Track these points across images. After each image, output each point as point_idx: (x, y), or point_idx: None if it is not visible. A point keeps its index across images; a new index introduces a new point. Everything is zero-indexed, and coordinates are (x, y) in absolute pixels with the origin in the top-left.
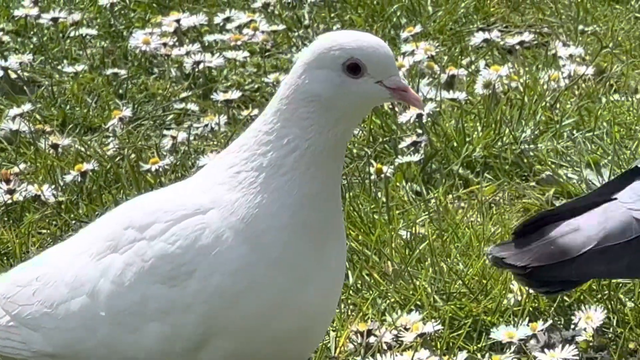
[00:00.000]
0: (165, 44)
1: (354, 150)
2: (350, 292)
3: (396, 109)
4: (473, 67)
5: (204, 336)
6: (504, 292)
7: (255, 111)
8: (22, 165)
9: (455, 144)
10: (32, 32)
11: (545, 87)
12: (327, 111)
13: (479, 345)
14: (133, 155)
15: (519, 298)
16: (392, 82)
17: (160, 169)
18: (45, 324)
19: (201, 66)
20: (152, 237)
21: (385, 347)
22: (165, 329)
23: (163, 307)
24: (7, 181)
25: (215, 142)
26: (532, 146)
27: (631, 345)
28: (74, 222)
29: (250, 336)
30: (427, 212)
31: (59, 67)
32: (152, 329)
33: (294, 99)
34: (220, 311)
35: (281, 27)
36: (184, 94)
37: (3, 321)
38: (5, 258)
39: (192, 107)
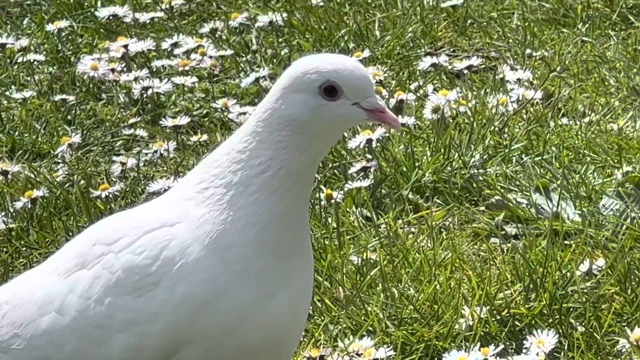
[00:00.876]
0: (113, 70)
1: None
2: None
3: (345, 134)
4: (421, 91)
5: (171, 346)
6: (455, 317)
7: (205, 137)
8: None
9: (404, 169)
10: None
11: (493, 111)
12: (302, 134)
13: None
14: (83, 182)
15: (471, 323)
16: (368, 103)
17: (111, 195)
18: (14, 344)
19: (149, 92)
20: (119, 250)
21: None
22: (132, 340)
23: (129, 318)
24: None
25: (164, 168)
26: (481, 171)
27: None
28: (24, 249)
29: (217, 346)
30: (377, 238)
31: (7, 93)
32: (119, 341)
33: (270, 122)
34: (185, 320)
35: (229, 52)
36: (132, 120)
37: None
38: None
39: (141, 132)
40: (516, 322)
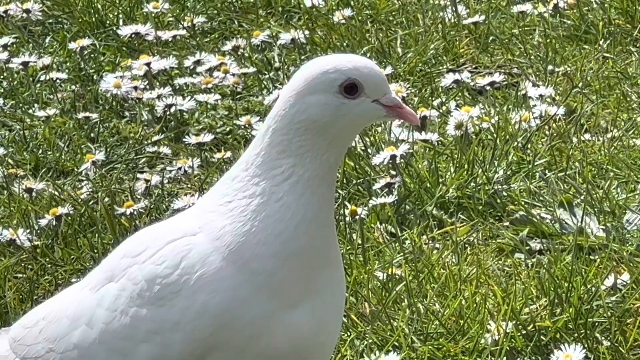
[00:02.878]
0: (136, 87)
1: None
2: None
3: (368, 150)
4: (444, 108)
5: (194, 354)
6: (481, 331)
7: (228, 154)
8: None
9: (428, 185)
10: (2, 77)
11: (516, 127)
12: (323, 135)
13: None
14: (107, 199)
15: (496, 337)
16: (388, 99)
17: (135, 212)
18: (50, 359)
19: (172, 109)
20: (143, 261)
21: None
22: (155, 349)
23: (152, 328)
24: None
25: (188, 185)
26: (505, 186)
27: None
28: (49, 266)
29: (241, 353)
30: (402, 253)
31: (30, 111)
32: (143, 351)
33: (287, 129)
34: (206, 328)
35: (251, 69)
36: (156, 137)
37: None
38: None
39: (165, 150)
40: (542, 337)
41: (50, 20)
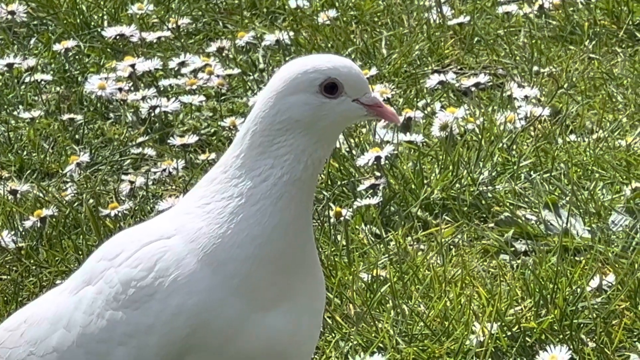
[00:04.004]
0: (120, 89)
1: None
2: None
3: (353, 151)
4: (429, 109)
5: (169, 357)
6: (466, 333)
7: (213, 155)
8: None
9: (413, 186)
10: None
11: (501, 128)
12: (305, 135)
13: None
14: (92, 201)
15: (481, 339)
16: (368, 99)
17: (120, 214)
18: None
19: (157, 111)
20: (119, 264)
21: None
22: (132, 352)
23: (128, 331)
24: None
25: (173, 187)
26: (490, 187)
27: None
28: (34, 267)
29: (217, 355)
30: (387, 255)
31: (15, 112)
32: (119, 354)
33: (269, 131)
34: (181, 331)
35: (236, 71)
36: (140, 139)
37: None
38: None
39: (149, 151)
40: (527, 338)
41: (35, 22)
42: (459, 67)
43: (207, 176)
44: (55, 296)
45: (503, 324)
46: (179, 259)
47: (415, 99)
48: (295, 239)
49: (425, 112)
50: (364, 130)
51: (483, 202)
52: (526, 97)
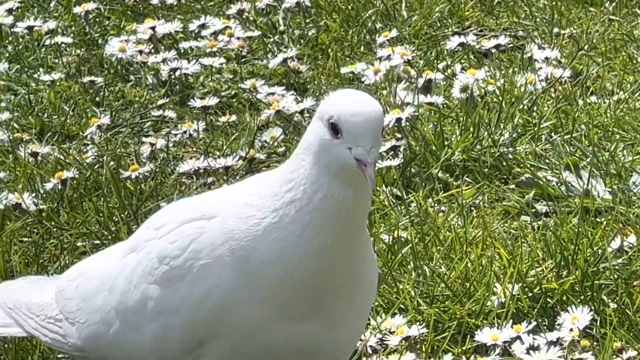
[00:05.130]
0: (141, 52)
1: None
2: None
3: None
4: (449, 71)
5: (194, 339)
6: (487, 294)
7: (233, 117)
8: (1, 174)
9: (434, 148)
10: (7, 41)
11: (522, 90)
12: (315, 164)
13: (464, 348)
14: (112, 163)
15: (503, 300)
16: (356, 152)
17: (140, 176)
18: (79, 317)
19: (177, 73)
20: (161, 236)
21: (370, 350)
22: (159, 329)
23: (158, 308)
24: None
25: (194, 149)
26: (510, 149)
27: (617, 344)
28: (55, 229)
29: (242, 344)
30: (408, 216)
31: (35, 75)
32: (149, 329)
33: (301, 144)
34: (204, 317)
35: (256, 33)
36: (161, 101)
37: (54, 314)
38: None
39: (170, 114)
40: (548, 299)
41: None
42: (479, 29)
43: (267, 173)
44: (109, 255)
45: (524, 285)
46: (213, 244)
47: (435, 61)
48: (331, 264)
49: (446, 74)
50: (384, 92)
51: (504, 163)
52: (546, 58)
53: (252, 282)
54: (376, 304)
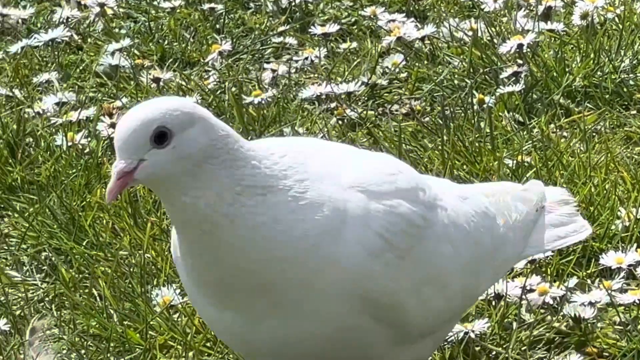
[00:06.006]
0: None
1: (455, 81)
2: None
3: (494, 40)
4: None
5: None
6: (611, 218)
7: (354, 44)
8: (123, 100)
9: (555, 74)
10: None
11: None
12: None
13: (589, 272)
14: (234, 89)
15: (627, 224)
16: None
17: (263, 102)
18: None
19: (297, 0)
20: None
21: None
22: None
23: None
24: (110, 115)
25: (315, 75)
26: (631, 75)
27: None
28: None
29: None
30: (530, 141)
31: (155, 2)
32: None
33: None
34: None
35: None
36: (281, 28)
37: None
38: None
39: (290, 40)
40: None
41: None
42: None
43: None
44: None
45: None
46: None
47: None
48: (208, 273)
49: (565, 1)
50: (504, 19)
51: (625, 89)
52: None
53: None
54: None
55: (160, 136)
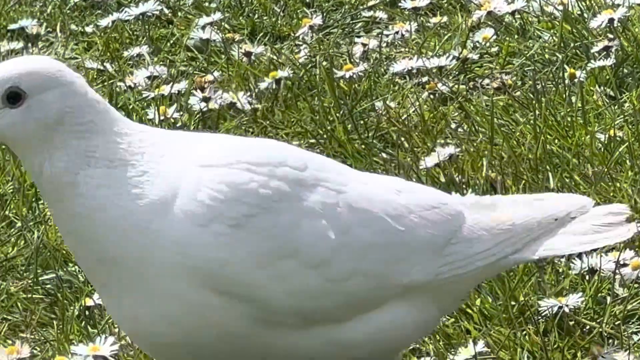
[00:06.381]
0: None
1: (546, 56)
2: None
3: (584, 14)
4: None
5: None
6: None
7: (445, 18)
8: (215, 74)
9: None
10: None
11: None
12: None
13: None
14: (325, 63)
15: None
16: None
17: (354, 76)
18: None
19: None
20: None
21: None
22: None
23: None
24: (202, 89)
25: (406, 49)
26: None
27: None
28: (270, 128)
29: None
30: (622, 116)
31: None
32: None
33: None
34: None
35: None
36: (371, 2)
37: None
38: None
39: (381, 14)
40: None
41: None
42: None
43: None
44: None
45: None
46: None
47: None
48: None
49: None
50: None
51: None
52: None
53: None
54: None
55: (14, 96)
